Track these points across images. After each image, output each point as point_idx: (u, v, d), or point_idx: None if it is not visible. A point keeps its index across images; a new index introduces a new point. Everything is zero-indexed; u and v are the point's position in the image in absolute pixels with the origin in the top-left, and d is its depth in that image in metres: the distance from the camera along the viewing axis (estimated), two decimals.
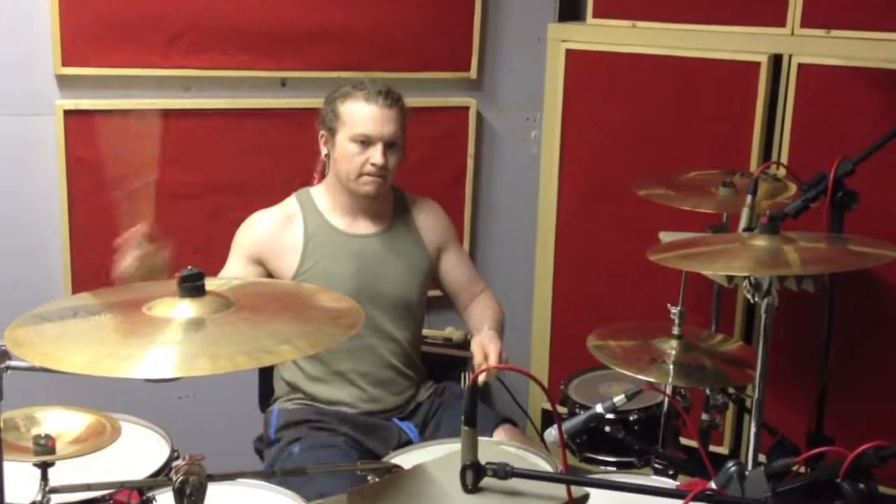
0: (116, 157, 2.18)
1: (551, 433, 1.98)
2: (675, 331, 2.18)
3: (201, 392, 3.00)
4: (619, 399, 2.04)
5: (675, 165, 2.81)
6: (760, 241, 1.76)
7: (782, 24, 2.83)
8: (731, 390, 2.33)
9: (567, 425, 2.08)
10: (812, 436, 2.40)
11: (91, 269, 2.83)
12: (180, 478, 1.35)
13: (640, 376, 2.08)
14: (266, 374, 2.51)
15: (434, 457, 1.58)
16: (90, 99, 2.77)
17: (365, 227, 2.38)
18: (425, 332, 2.58)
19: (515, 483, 1.39)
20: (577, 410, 2.30)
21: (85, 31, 2.71)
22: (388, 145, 2.27)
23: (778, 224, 1.79)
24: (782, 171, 2.62)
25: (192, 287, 1.38)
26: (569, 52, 3.14)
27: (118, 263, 2.05)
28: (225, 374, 1.24)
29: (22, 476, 1.60)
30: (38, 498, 1.55)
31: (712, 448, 2.64)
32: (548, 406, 3.16)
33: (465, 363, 2.84)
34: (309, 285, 2.03)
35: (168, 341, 1.30)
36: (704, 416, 2.41)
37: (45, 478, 1.58)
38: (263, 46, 2.90)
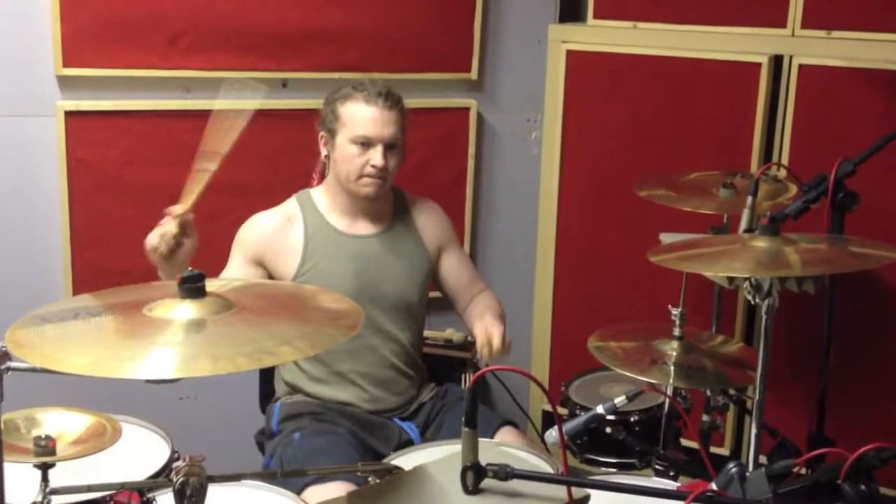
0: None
1: (552, 434, 1.98)
2: (676, 332, 2.18)
3: (202, 393, 3.00)
4: (619, 400, 2.04)
5: (675, 166, 2.82)
6: (761, 243, 1.76)
7: (783, 24, 2.83)
8: (731, 391, 2.33)
9: (568, 426, 2.08)
10: (813, 437, 2.40)
11: (92, 270, 2.83)
12: (181, 479, 1.35)
13: (640, 377, 2.08)
14: (267, 375, 2.51)
15: (435, 458, 1.58)
16: (91, 100, 2.77)
17: (365, 227, 2.38)
18: (426, 333, 2.58)
19: (516, 484, 1.39)
20: (577, 411, 2.30)
21: (86, 32, 2.71)
22: (389, 147, 2.27)
23: (778, 225, 1.79)
24: (783, 173, 2.62)
25: (193, 288, 1.39)
26: (569, 53, 3.14)
27: (152, 234, 2.07)
28: (225, 375, 1.24)
29: (22, 477, 1.59)
30: (39, 499, 1.55)
31: (713, 449, 2.64)
32: (548, 407, 3.16)
33: (465, 364, 2.84)
34: (309, 286, 2.03)
35: (169, 342, 1.30)
36: (705, 418, 2.41)
37: (45, 479, 1.58)
38: (264, 47, 2.90)
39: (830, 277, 2.31)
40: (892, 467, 1.38)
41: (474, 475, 1.38)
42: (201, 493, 1.36)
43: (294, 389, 2.39)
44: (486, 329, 2.25)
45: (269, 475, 2.04)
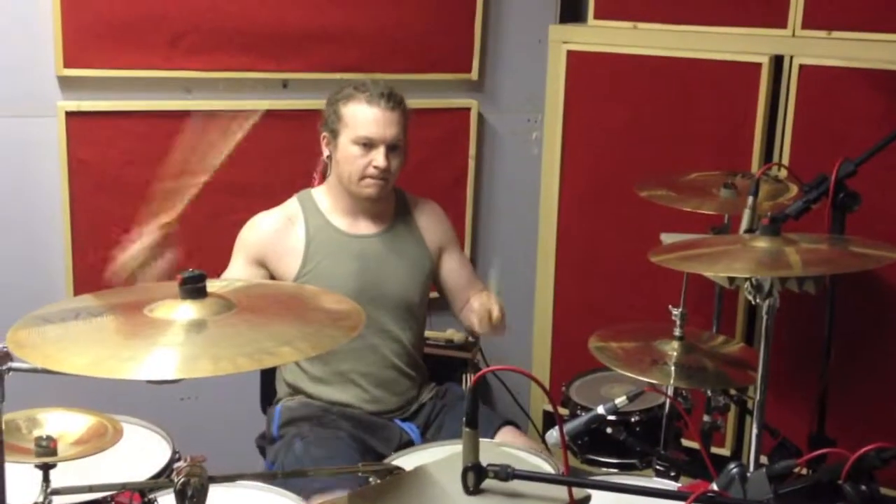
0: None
1: (553, 434, 1.98)
2: (677, 332, 2.18)
3: (203, 393, 3.00)
4: (620, 400, 2.04)
5: (676, 167, 2.81)
6: (762, 243, 1.76)
7: (783, 25, 2.83)
8: (732, 392, 2.33)
9: (568, 427, 2.08)
10: (814, 437, 2.40)
11: (93, 270, 2.83)
12: (182, 479, 1.35)
13: (641, 378, 2.08)
14: (268, 376, 2.51)
15: (436, 458, 1.58)
16: (92, 100, 2.77)
17: (366, 227, 2.38)
18: (427, 333, 2.58)
19: (517, 485, 1.39)
20: (578, 412, 2.30)
21: (86, 33, 2.71)
22: (391, 148, 2.28)
23: (779, 225, 1.79)
24: (783, 173, 2.62)
25: (194, 289, 1.39)
26: (570, 54, 3.14)
27: (122, 252, 2.04)
28: (227, 375, 1.25)
29: (24, 477, 1.60)
30: (40, 499, 1.56)
31: (714, 450, 2.64)
32: (549, 407, 3.16)
33: (466, 365, 2.84)
34: (310, 287, 2.03)
35: (170, 343, 1.30)
36: (706, 418, 2.41)
37: (46, 479, 1.58)
38: (265, 48, 2.90)
39: (831, 278, 2.31)
40: (893, 468, 1.38)
41: (475, 476, 1.38)
42: (202, 493, 1.36)
43: (295, 390, 2.39)
44: (484, 301, 2.27)
45: (269, 476, 2.05)
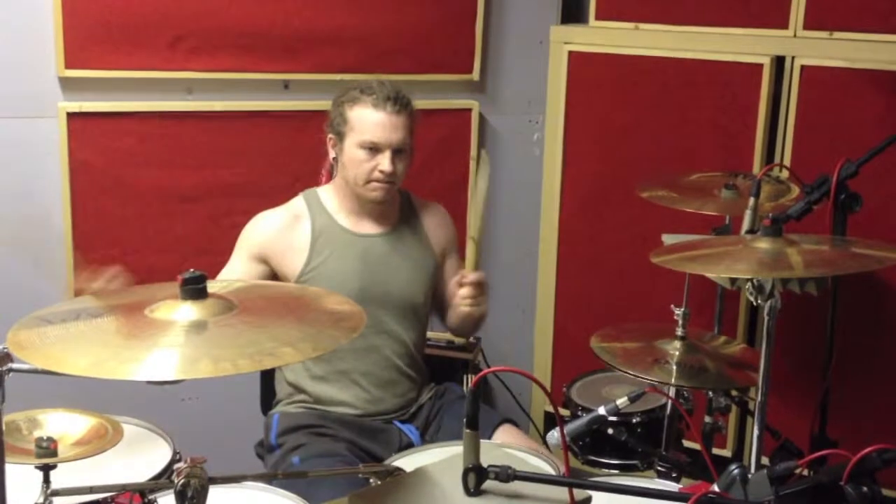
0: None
1: (554, 435, 1.98)
2: (679, 333, 2.18)
3: (204, 394, 3.00)
4: (621, 401, 2.03)
5: (677, 167, 2.81)
6: (763, 244, 1.76)
7: (785, 25, 2.83)
8: (734, 393, 2.32)
9: (569, 428, 2.08)
10: (815, 438, 2.39)
11: (94, 271, 2.83)
12: (182, 480, 1.35)
13: (642, 378, 2.08)
14: (268, 377, 2.51)
15: (436, 459, 1.58)
16: (93, 101, 2.77)
17: (371, 227, 2.38)
18: (428, 334, 2.58)
19: (518, 486, 1.39)
20: (579, 413, 2.30)
21: (87, 34, 2.71)
22: (397, 152, 2.27)
23: (781, 226, 1.78)
24: (785, 174, 2.62)
25: (194, 289, 1.39)
26: (571, 54, 3.14)
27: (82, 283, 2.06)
28: (227, 376, 1.24)
29: (24, 478, 1.59)
30: (40, 500, 1.56)
31: (715, 451, 2.64)
32: (550, 408, 3.16)
33: (467, 366, 2.84)
34: (311, 288, 2.03)
35: (170, 343, 1.30)
36: (707, 419, 2.41)
37: (47, 480, 1.58)
38: (266, 49, 2.90)
39: (833, 279, 2.30)
40: (895, 469, 1.38)
41: (476, 477, 1.38)
42: (202, 494, 1.36)
43: (296, 389, 2.38)
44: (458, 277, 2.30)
45: (270, 477, 2.04)
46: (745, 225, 2.16)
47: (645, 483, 1.97)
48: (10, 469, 1.44)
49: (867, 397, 2.80)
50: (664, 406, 2.27)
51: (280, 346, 1.30)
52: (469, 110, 3.21)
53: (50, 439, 1.62)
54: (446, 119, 3.18)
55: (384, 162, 2.25)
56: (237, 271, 2.30)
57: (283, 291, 1.75)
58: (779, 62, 2.84)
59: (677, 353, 2.15)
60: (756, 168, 2.85)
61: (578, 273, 3.26)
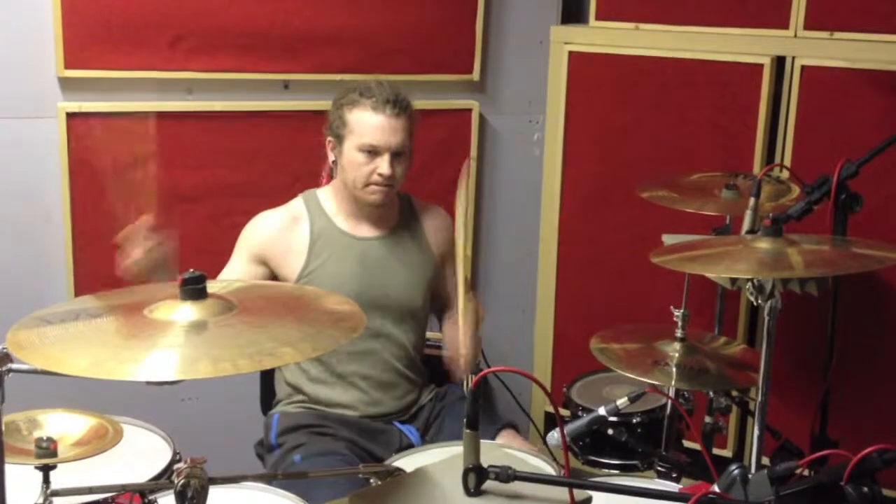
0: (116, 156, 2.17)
1: (554, 436, 1.98)
2: (679, 333, 2.18)
3: (204, 395, 3.00)
4: (622, 402, 2.03)
5: (677, 167, 2.81)
6: (763, 244, 1.76)
7: (785, 26, 2.83)
8: (734, 393, 2.32)
9: (570, 428, 2.08)
10: (816, 439, 2.39)
11: (93, 271, 2.83)
12: (182, 481, 1.35)
13: (643, 379, 2.07)
14: (268, 377, 2.51)
15: (436, 460, 1.58)
16: (93, 101, 2.77)
17: (370, 230, 2.38)
18: (428, 334, 2.58)
19: (518, 486, 1.39)
20: (579, 413, 2.30)
21: (87, 34, 2.71)
22: (396, 155, 2.27)
23: (781, 226, 1.78)
24: (785, 174, 2.61)
25: (194, 290, 1.39)
26: (571, 55, 3.14)
27: (122, 260, 2.02)
28: (227, 376, 1.24)
29: (24, 479, 1.59)
30: (40, 501, 1.55)
31: (716, 451, 2.63)
32: (550, 408, 3.15)
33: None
34: (311, 288, 2.03)
35: (170, 344, 1.30)
36: (708, 419, 2.41)
37: (46, 481, 1.58)
38: (265, 49, 2.90)
39: (833, 279, 2.30)
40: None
41: (476, 477, 1.38)
42: (202, 495, 1.36)
43: (295, 390, 2.38)
44: (455, 350, 2.26)
45: (270, 477, 2.04)
46: (746, 225, 2.16)
47: (645, 483, 1.97)
48: (10, 469, 1.45)
49: (868, 397, 2.80)
50: (664, 406, 2.26)
51: (280, 346, 1.30)
52: (469, 110, 3.21)
53: (50, 440, 1.61)
54: (446, 119, 3.17)
55: (383, 165, 2.25)
56: (237, 272, 2.30)
57: (282, 291, 1.75)
58: (779, 62, 2.84)
59: (677, 354, 2.15)
60: (756, 168, 2.85)
61: (578, 273, 3.26)
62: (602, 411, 2.06)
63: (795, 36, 2.82)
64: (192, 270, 1.40)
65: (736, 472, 1.44)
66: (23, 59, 2.70)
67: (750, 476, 1.44)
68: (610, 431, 2.21)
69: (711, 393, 2.33)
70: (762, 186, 2.20)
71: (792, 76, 2.81)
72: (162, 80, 2.83)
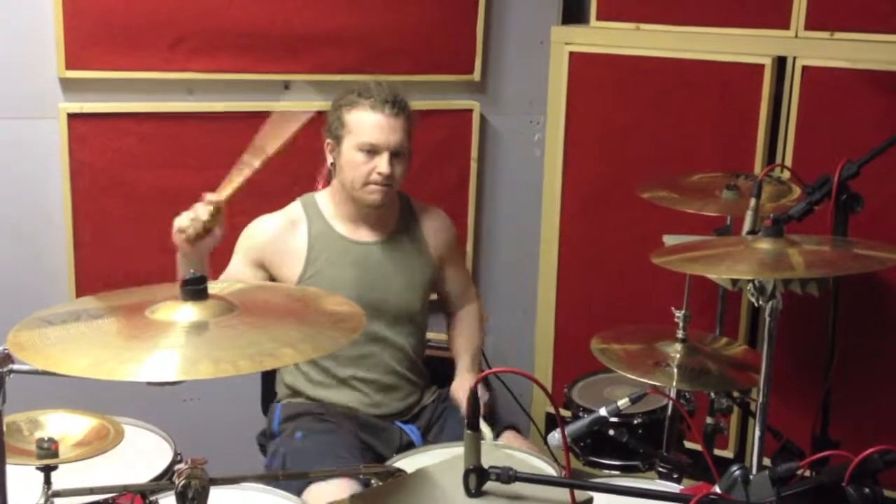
0: None
1: (555, 437, 1.97)
2: (680, 334, 2.18)
3: (205, 395, 3.00)
4: (623, 402, 2.03)
5: (678, 168, 2.81)
6: (764, 244, 1.76)
7: (786, 26, 2.83)
8: (735, 394, 2.32)
9: (571, 429, 2.08)
10: (817, 440, 2.39)
11: (94, 272, 2.83)
12: (183, 481, 1.35)
13: (644, 380, 2.07)
14: (269, 378, 2.51)
15: (437, 460, 1.58)
16: (94, 102, 2.77)
17: (369, 234, 2.38)
18: (429, 335, 2.58)
19: (519, 487, 1.39)
20: (580, 414, 2.30)
21: (88, 35, 2.71)
22: (395, 154, 2.27)
23: (782, 227, 1.78)
24: (786, 174, 2.61)
25: (195, 290, 1.39)
26: (572, 55, 3.13)
27: (182, 216, 2.03)
28: (228, 377, 1.24)
29: (25, 479, 1.59)
30: (41, 501, 1.55)
31: (717, 452, 2.63)
32: (551, 409, 3.15)
33: None
34: (312, 289, 2.03)
35: (170, 345, 1.30)
36: (709, 420, 2.41)
37: (47, 481, 1.58)
38: (266, 49, 2.90)
39: (834, 279, 2.30)
40: None
41: (477, 478, 1.38)
42: (203, 495, 1.36)
43: (295, 392, 2.38)
44: (461, 396, 2.28)
45: (270, 477, 2.04)
46: (747, 226, 2.16)
47: (646, 484, 1.97)
48: (11, 470, 1.45)
49: (869, 398, 2.80)
50: (665, 407, 2.26)
51: (280, 347, 1.30)
52: (470, 111, 3.21)
53: (51, 440, 1.61)
54: (447, 120, 3.17)
55: (382, 164, 2.25)
56: (236, 276, 2.30)
57: (283, 292, 1.75)
58: (780, 63, 2.84)
59: (678, 355, 2.15)
60: (757, 168, 2.85)
61: (579, 274, 3.26)
62: (603, 412, 2.06)
63: (796, 36, 2.82)
64: (192, 271, 1.40)
65: (737, 472, 1.44)
66: (24, 59, 2.71)
67: (751, 477, 1.43)
68: (611, 432, 2.21)
69: (712, 394, 2.33)
70: (763, 187, 2.20)
71: (793, 76, 2.80)
72: (162, 80, 2.83)
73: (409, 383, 2.40)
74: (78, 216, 2.80)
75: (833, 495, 1.37)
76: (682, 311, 2.17)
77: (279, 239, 2.34)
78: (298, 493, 1.96)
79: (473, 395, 1.39)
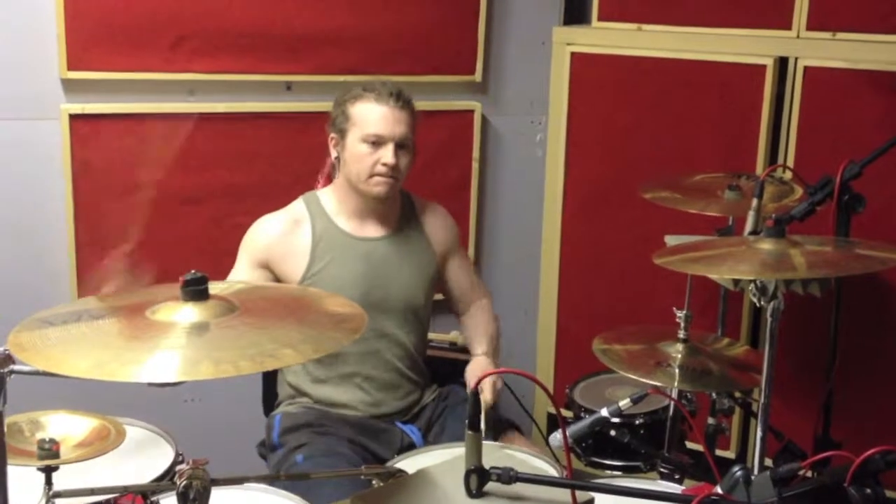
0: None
1: (556, 437, 1.97)
2: (681, 334, 2.17)
3: (206, 396, 3.00)
4: (624, 403, 2.03)
5: (680, 168, 2.81)
6: (766, 245, 1.75)
7: (788, 26, 2.83)
8: (737, 394, 2.32)
9: (572, 429, 2.08)
10: (819, 440, 2.39)
11: (96, 272, 2.83)
12: (184, 482, 1.35)
13: (645, 380, 2.07)
14: (270, 379, 2.51)
15: (438, 461, 1.58)
16: (95, 103, 2.77)
17: (373, 230, 2.38)
18: (430, 335, 2.58)
19: (520, 488, 1.39)
20: (582, 414, 2.30)
21: (90, 36, 2.71)
22: (399, 146, 2.27)
23: (784, 227, 1.78)
24: (788, 174, 2.61)
25: (196, 291, 1.38)
26: (574, 56, 3.13)
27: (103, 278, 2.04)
28: (229, 378, 1.24)
29: (26, 480, 1.59)
30: (42, 502, 1.55)
31: (719, 452, 2.63)
32: (553, 410, 3.15)
33: None
34: (312, 289, 2.03)
35: (171, 345, 1.30)
36: (710, 421, 2.41)
37: (49, 482, 1.58)
38: (268, 50, 2.90)
39: (837, 280, 2.30)
40: None
41: (478, 478, 1.38)
42: (205, 496, 1.36)
43: (297, 391, 2.38)
44: (476, 378, 2.26)
45: (272, 478, 2.04)
46: (749, 226, 2.16)
47: (648, 485, 1.97)
48: (13, 471, 1.45)
49: (871, 399, 2.79)
50: (667, 408, 2.26)
51: (281, 348, 1.30)
52: (471, 111, 3.21)
53: (52, 441, 1.62)
54: (448, 120, 3.17)
55: (387, 154, 2.25)
56: (242, 278, 2.30)
57: (284, 293, 1.75)
58: (782, 63, 2.84)
59: (680, 356, 2.14)
60: (759, 169, 2.85)
61: (581, 274, 3.26)
62: (605, 412, 2.06)
63: (798, 37, 2.82)
64: (193, 272, 1.40)
65: (739, 473, 1.44)
66: (25, 60, 2.71)
67: (753, 477, 1.43)
68: (612, 433, 2.21)
69: (714, 394, 2.33)
70: (765, 187, 2.19)
71: (795, 77, 2.80)
72: (164, 81, 2.83)
73: (409, 382, 2.40)
74: (79, 217, 2.80)
75: (835, 496, 1.37)
76: (684, 312, 2.17)
77: (283, 238, 2.34)
78: None
79: (474, 397, 1.39)
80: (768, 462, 1.87)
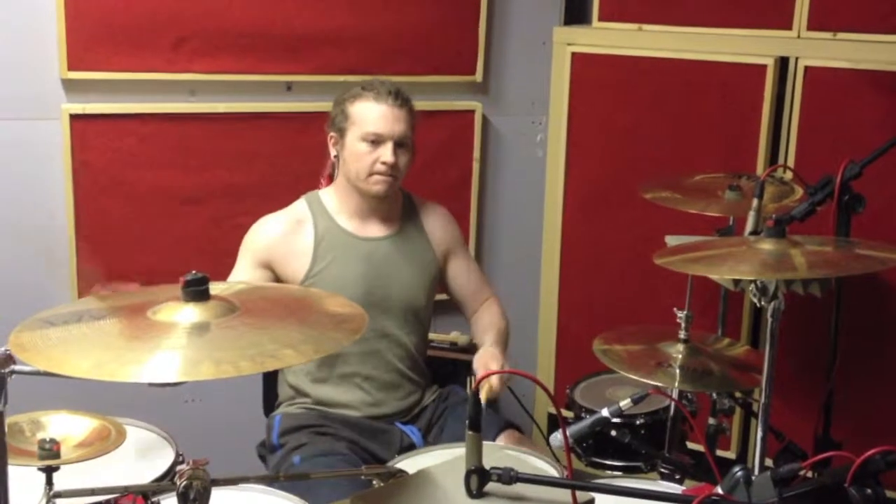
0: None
1: (557, 437, 1.97)
2: (682, 335, 2.17)
3: (206, 396, 3.00)
4: (625, 403, 2.03)
5: (681, 168, 2.81)
6: (767, 245, 1.75)
7: (788, 26, 2.83)
8: (737, 394, 2.32)
9: (573, 430, 2.08)
10: (819, 440, 2.39)
11: (97, 272, 2.83)
12: (184, 482, 1.35)
13: (646, 380, 2.07)
14: (270, 379, 2.51)
15: (438, 461, 1.58)
16: (96, 103, 2.78)
17: (374, 230, 2.38)
18: (431, 335, 2.58)
19: (520, 488, 1.39)
20: (582, 415, 2.30)
21: (90, 36, 2.71)
22: (398, 144, 2.28)
23: (784, 227, 1.78)
24: (789, 175, 2.61)
25: (197, 291, 1.38)
26: (574, 56, 3.14)
27: None
28: (229, 378, 1.24)
29: (27, 480, 1.59)
30: (43, 502, 1.55)
31: (719, 452, 2.63)
32: (553, 410, 3.15)
33: (470, 367, 2.83)
34: (313, 290, 2.03)
35: (172, 346, 1.30)
36: (711, 421, 2.41)
37: (49, 482, 1.58)
38: (268, 50, 2.90)
39: (837, 280, 2.30)
40: None
41: (478, 479, 1.38)
42: (205, 496, 1.36)
43: (297, 392, 2.38)
44: (485, 366, 2.27)
45: (272, 479, 2.04)
46: (749, 226, 2.16)
47: (648, 485, 1.97)
48: (13, 471, 1.44)
49: (871, 399, 2.79)
50: (667, 408, 2.26)
51: (282, 348, 1.30)
52: (472, 112, 3.21)
53: (53, 441, 1.62)
54: (449, 120, 3.17)
55: (386, 153, 2.26)
56: (243, 278, 2.30)
57: (284, 293, 1.75)
58: (783, 63, 2.84)
59: (680, 356, 2.14)
60: (759, 169, 2.85)
61: (581, 274, 3.26)
62: (605, 413, 2.06)
63: (798, 37, 2.82)
64: (194, 272, 1.40)
65: (739, 473, 1.43)
66: (26, 60, 2.71)
67: (753, 478, 1.43)
68: (613, 433, 2.21)
69: (715, 394, 2.33)
70: (765, 187, 2.19)
71: (795, 77, 2.80)
72: (165, 81, 2.83)
73: (410, 382, 2.40)
74: (80, 217, 2.80)
75: (835, 496, 1.37)
76: (685, 312, 2.17)
77: (285, 238, 2.34)
78: None
79: (475, 396, 1.39)
80: (769, 462, 1.87)
